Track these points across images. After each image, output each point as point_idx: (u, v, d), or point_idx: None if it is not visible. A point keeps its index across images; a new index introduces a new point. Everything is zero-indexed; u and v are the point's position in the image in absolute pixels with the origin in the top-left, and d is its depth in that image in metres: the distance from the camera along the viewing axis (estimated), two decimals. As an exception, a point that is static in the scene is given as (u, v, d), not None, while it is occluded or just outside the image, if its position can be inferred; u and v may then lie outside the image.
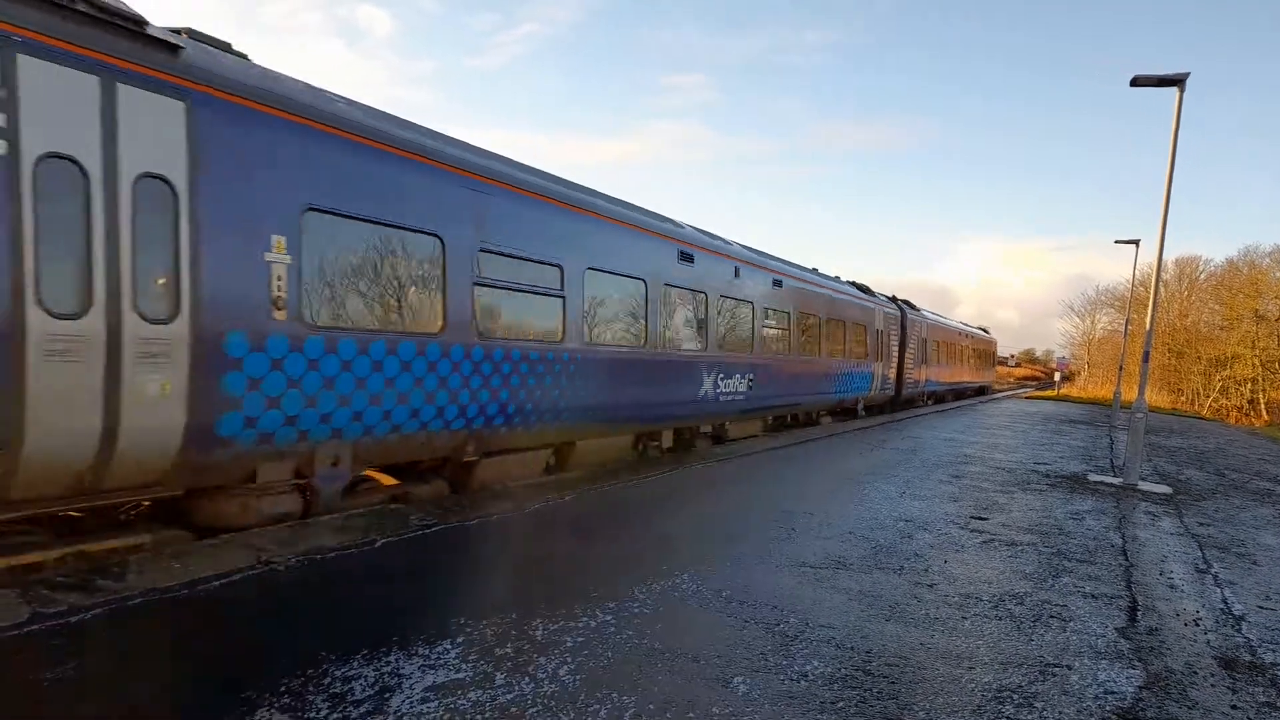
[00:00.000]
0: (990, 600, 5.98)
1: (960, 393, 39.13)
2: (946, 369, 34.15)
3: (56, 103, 5.19)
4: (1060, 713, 4.18)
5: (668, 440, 13.28)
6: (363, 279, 7.37)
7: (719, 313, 14.11)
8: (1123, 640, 5.37)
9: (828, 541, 7.39)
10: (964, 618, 5.54)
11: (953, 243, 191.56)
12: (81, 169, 5.32)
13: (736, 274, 14.84)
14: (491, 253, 8.69)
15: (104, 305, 5.41)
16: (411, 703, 3.85)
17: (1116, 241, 33.81)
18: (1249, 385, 57.68)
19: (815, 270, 20.76)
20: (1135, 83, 12.60)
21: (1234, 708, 4.47)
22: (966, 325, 42.49)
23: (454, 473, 8.89)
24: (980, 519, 8.99)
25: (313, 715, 3.68)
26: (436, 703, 3.86)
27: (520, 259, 9.16)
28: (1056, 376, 70.42)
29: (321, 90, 7.37)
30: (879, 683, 4.36)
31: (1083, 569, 7.16)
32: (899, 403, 27.52)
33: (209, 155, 6.00)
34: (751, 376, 15.41)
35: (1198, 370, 62.57)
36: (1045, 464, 14.53)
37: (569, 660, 4.37)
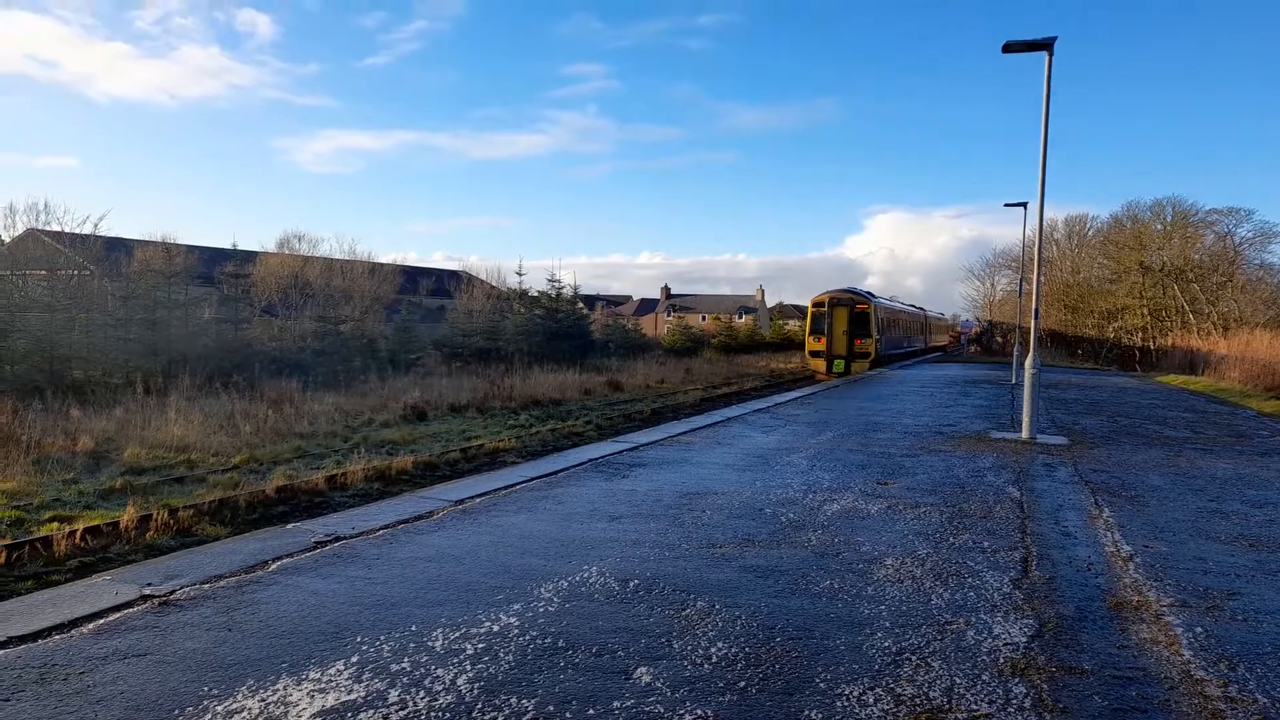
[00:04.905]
0: (892, 565, 6.08)
1: (937, 348, 65.13)
2: (935, 337, 63.43)
3: (879, 309, 37.76)
4: (955, 668, 4.25)
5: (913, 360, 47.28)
6: (888, 326, 41.74)
7: (921, 324, 55.91)
8: (1017, 592, 5.51)
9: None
10: (866, 584, 5.60)
11: (860, 219, 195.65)
12: (875, 312, 36.31)
13: (916, 310, 56.05)
14: (892, 319, 43.60)
15: (877, 338, 36.95)
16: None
17: (1005, 205, 35.18)
18: (1139, 334, 60.69)
19: (914, 304, 57.55)
20: (1007, 49, 12.94)
21: (1121, 647, 4.61)
22: (933, 311, 71.29)
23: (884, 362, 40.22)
24: (884, 484, 9.17)
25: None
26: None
27: (901, 320, 48.07)
28: (963, 340, 72.82)
29: (878, 295, 42.98)
30: (782, 658, 4.35)
31: (982, 525, 7.35)
32: (927, 351, 56.92)
33: (880, 314, 38.52)
34: (918, 339, 53.66)
35: (1092, 324, 65.60)
36: (950, 425, 14.95)
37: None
